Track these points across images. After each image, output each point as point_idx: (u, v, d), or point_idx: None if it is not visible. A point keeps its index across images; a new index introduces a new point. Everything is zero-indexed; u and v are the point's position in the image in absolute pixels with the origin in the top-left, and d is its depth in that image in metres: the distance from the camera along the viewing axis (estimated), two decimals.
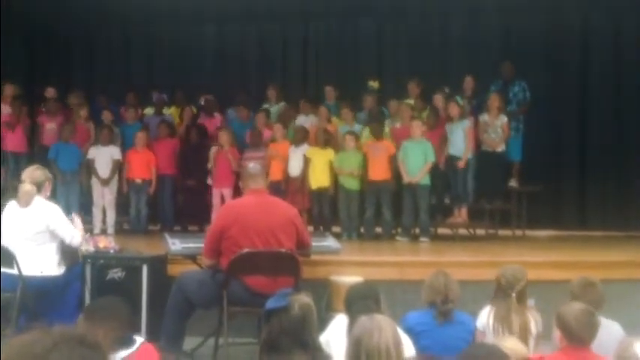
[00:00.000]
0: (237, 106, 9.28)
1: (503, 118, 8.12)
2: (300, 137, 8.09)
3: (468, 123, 7.98)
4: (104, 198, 8.14)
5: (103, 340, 2.74)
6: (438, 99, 8.46)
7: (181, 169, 8.54)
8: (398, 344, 2.43)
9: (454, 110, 7.97)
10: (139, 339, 3.03)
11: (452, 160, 8.02)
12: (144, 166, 8.30)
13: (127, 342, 2.96)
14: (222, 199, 7.97)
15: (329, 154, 7.97)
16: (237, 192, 7.95)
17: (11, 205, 4.97)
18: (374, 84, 9.14)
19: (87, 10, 10.32)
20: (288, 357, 2.68)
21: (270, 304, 2.89)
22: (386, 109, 8.85)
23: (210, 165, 8.33)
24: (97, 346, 1.28)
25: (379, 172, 7.75)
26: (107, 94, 9.70)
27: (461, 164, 7.90)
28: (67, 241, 4.98)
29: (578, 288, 3.68)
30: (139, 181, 8.28)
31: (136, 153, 8.34)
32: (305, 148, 8.04)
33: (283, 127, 8.43)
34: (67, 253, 5.07)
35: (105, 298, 3.35)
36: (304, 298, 2.88)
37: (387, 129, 8.25)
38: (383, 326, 2.45)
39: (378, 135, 7.94)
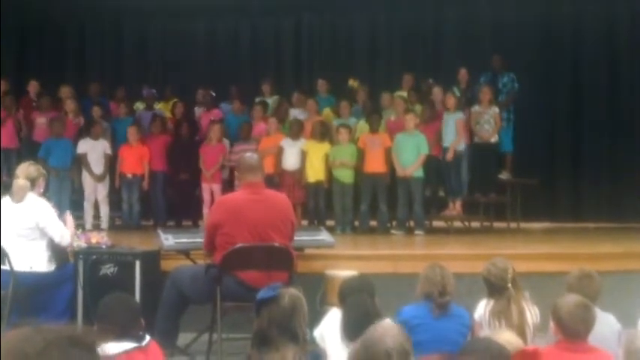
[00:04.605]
0: (231, 99, 9.25)
1: (495, 109, 8.14)
2: (296, 131, 8.06)
3: (460, 115, 7.99)
4: (98, 193, 8.09)
5: (107, 334, 2.75)
6: (437, 92, 8.45)
7: (173, 164, 8.49)
8: (408, 354, 2.37)
9: (450, 102, 7.97)
10: (148, 337, 3.03)
11: (445, 152, 8.02)
12: (137, 160, 8.24)
13: (136, 336, 2.95)
14: (212, 195, 7.94)
15: (325, 147, 7.94)
16: (226, 187, 7.93)
17: (5, 201, 4.94)
18: (354, 83, 9.15)
19: (78, 5, 10.27)
20: (278, 349, 2.67)
21: (261, 294, 2.89)
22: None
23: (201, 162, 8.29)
24: (89, 346, 1.25)
25: (376, 164, 7.73)
26: (99, 86, 9.64)
27: (449, 156, 7.91)
28: (57, 240, 4.95)
29: (575, 280, 3.66)
30: (130, 176, 8.23)
31: (129, 148, 8.28)
32: (302, 142, 8.01)
33: (278, 120, 8.40)
34: (57, 250, 5.04)
35: (114, 294, 3.34)
36: (294, 290, 2.88)
37: (382, 122, 8.24)
38: (395, 332, 2.40)
39: (374, 128, 7.92)
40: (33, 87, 9.17)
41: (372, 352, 2.26)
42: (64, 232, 5.00)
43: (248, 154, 4.82)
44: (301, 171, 7.92)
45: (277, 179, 7.88)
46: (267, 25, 10.69)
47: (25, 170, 5.07)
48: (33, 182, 5.00)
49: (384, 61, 10.24)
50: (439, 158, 8.04)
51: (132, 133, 8.28)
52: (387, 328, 2.39)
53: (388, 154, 7.76)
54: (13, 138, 8.53)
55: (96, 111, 8.68)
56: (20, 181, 4.95)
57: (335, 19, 10.51)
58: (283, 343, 2.71)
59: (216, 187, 8.04)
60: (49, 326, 1.24)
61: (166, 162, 8.47)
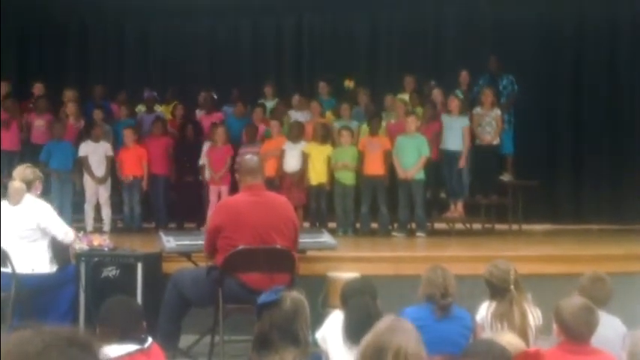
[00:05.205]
0: (233, 102, 9.26)
1: (497, 112, 8.15)
2: (296, 133, 8.06)
3: (466, 121, 7.99)
4: (99, 196, 8.08)
5: (109, 337, 2.76)
6: (436, 93, 8.45)
7: (177, 166, 8.49)
8: (421, 352, 2.36)
9: (453, 104, 7.97)
10: (150, 339, 3.04)
11: (448, 155, 8.01)
12: (136, 162, 8.24)
13: (138, 339, 2.96)
14: (219, 197, 7.94)
15: (327, 149, 7.94)
16: (234, 189, 7.93)
17: (3, 204, 4.95)
18: (350, 83, 9.15)
19: (80, 6, 10.28)
20: (279, 353, 2.66)
21: (262, 298, 2.88)
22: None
23: (201, 162, 8.30)
24: (88, 346, 1.25)
25: (375, 167, 7.73)
26: (102, 89, 9.64)
27: (461, 164, 7.91)
28: (60, 238, 4.95)
29: (587, 282, 3.67)
30: (130, 177, 8.23)
31: (127, 150, 8.28)
32: (302, 144, 8.01)
33: (278, 122, 8.40)
34: (59, 251, 5.04)
35: (116, 297, 3.35)
36: (296, 294, 2.88)
37: (382, 124, 8.24)
38: (410, 329, 2.40)
39: (374, 131, 7.92)
40: (38, 90, 9.18)
41: (384, 341, 2.23)
42: (66, 229, 5.01)
43: (248, 157, 4.83)
44: (302, 173, 7.92)
45: (277, 182, 7.88)
46: (268, 26, 10.69)
47: (21, 173, 5.08)
48: (29, 185, 5.00)
49: (385, 63, 10.24)
50: (437, 162, 8.02)
51: (128, 135, 8.29)
52: (403, 325, 2.38)
53: (387, 156, 7.76)
54: (16, 141, 8.55)
55: (97, 114, 8.67)
56: (16, 183, 4.96)
57: (336, 20, 10.52)
58: (284, 346, 2.71)
59: (225, 189, 8.03)
60: (48, 328, 1.25)
61: (168, 164, 8.47)
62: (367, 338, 2.25)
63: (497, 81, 8.72)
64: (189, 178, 8.44)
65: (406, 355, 2.19)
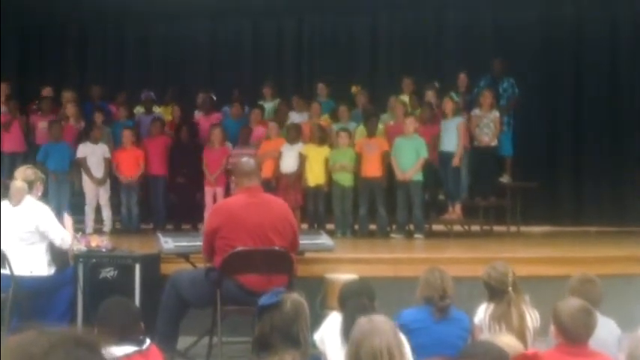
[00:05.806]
0: (233, 103, 9.26)
1: (495, 113, 8.15)
2: (294, 135, 8.05)
3: (461, 120, 7.99)
4: (100, 197, 8.08)
5: (107, 338, 2.75)
6: (430, 95, 8.46)
7: (173, 167, 8.49)
8: (399, 345, 2.39)
9: (448, 106, 7.97)
10: (148, 340, 3.04)
11: (444, 156, 8.01)
12: (133, 163, 8.23)
13: (136, 340, 2.96)
14: (215, 199, 7.93)
15: (325, 151, 7.94)
16: (229, 191, 7.92)
17: (4, 205, 4.94)
18: (356, 90, 9.16)
19: (80, 8, 10.28)
20: (279, 354, 2.67)
21: (263, 300, 2.88)
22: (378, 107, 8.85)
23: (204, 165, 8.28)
24: (94, 347, 1.25)
25: (372, 169, 7.73)
26: (100, 90, 9.64)
27: (455, 162, 7.90)
28: (57, 243, 4.95)
29: (577, 284, 3.67)
30: (128, 179, 8.22)
31: (124, 152, 8.28)
32: (300, 146, 8.01)
33: (278, 124, 8.40)
34: (57, 254, 5.04)
35: (114, 298, 3.35)
36: (296, 296, 2.88)
37: (381, 126, 8.24)
38: (383, 328, 2.42)
39: (371, 132, 7.92)
40: (47, 93, 9.17)
41: (367, 348, 2.28)
42: (64, 235, 5.01)
43: (244, 159, 4.83)
44: (298, 174, 7.92)
45: (274, 183, 7.87)
46: (269, 28, 10.69)
47: (22, 173, 5.09)
48: (30, 185, 5.01)
49: (385, 65, 10.24)
50: (435, 165, 8.02)
51: (127, 136, 8.28)
52: (377, 323, 2.40)
53: (385, 158, 7.75)
54: (20, 142, 8.54)
55: (98, 117, 8.65)
56: (17, 183, 4.96)
57: (336, 22, 10.52)
58: (284, 348, 2.71)
59: (220, 191, 8.02)
60: (53, 328, 1.24)
61: (166, 165, 8.46)
62: (347, 348, 2.30)
63: (497, 83, 8.72)
64: (184, 180, 8.41)
65: (381, 356, 2.24)
